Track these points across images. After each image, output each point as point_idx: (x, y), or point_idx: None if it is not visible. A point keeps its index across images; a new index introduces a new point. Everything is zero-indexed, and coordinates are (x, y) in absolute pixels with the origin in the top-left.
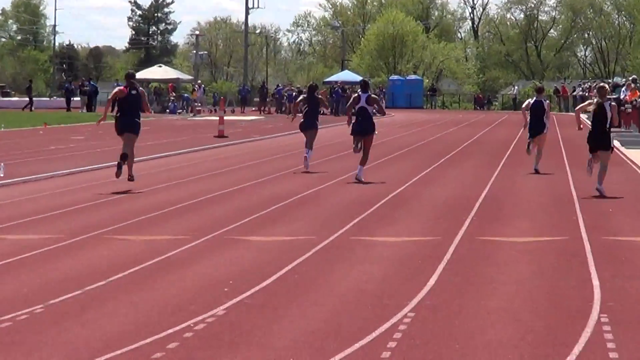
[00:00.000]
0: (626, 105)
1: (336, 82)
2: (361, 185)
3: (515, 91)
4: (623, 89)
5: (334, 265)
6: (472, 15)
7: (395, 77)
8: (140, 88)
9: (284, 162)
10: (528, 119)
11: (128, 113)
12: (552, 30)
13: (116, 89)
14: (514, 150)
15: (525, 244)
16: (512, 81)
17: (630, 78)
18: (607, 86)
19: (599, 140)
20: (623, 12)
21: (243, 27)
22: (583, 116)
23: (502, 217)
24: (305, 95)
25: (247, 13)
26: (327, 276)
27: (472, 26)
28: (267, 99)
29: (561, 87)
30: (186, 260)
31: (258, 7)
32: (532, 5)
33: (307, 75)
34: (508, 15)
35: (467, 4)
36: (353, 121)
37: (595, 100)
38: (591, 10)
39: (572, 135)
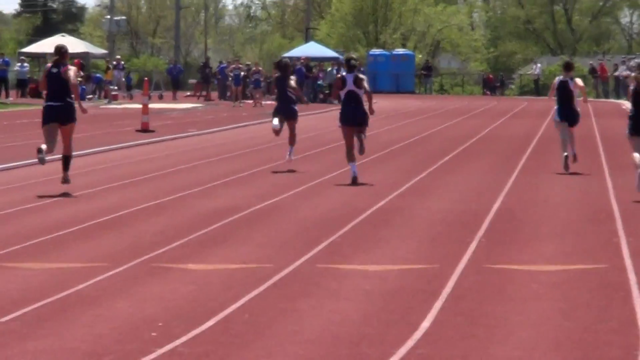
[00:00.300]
0: None
1: (298, 58)
2: (335, 194)
3: (537, 70)
4: None
5: (296, 303)
6: None
7: (377, 51)
8: (70, 66)
9: (230, 165)
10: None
11: (54, 98)
12: None
13: (45, 68)
14: (535, 149)
15: (550, 275)
16: (533, 57)
17: None
18: None
19: None
20: None
21: None
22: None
23: (520, 238)
24: (278, 75)
25: None
26: (288, 317)
27: None
28: (211, 81)
29: (599, 65)
30: (101, 295)
31: None
32: None
33: (260, 49)
34: None
35: None
36: (341, 108)
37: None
38: None
39: (614, 129)
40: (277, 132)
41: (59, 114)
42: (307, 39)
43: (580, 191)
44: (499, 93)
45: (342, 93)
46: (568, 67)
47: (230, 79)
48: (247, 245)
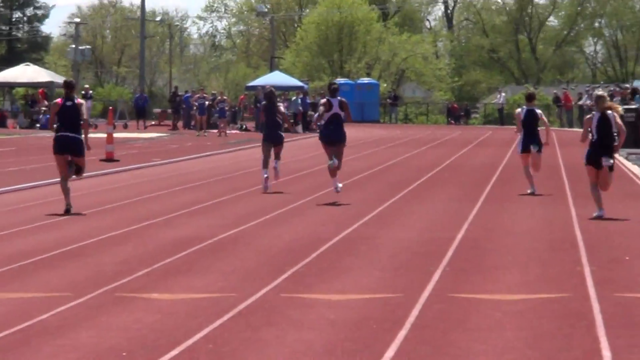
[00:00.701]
0: None
1: (263, 87)
2: (299, 223)
3: (502, 99)
4: None
5: (260, 332)
6: None
7: (342, 80)
8: (78, 99)
9: (194, 194)
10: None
11: (66, 129)
12: (551, 18)
13: (53, 103)
14: (500, 179)
15: (514, 304)
16: (497, 86)
17: None
18: (606, 95)
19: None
20: None
21: (138, 12)
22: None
23: (484, 267)
24: (265, 103)
25: None
26: (252, 346)
27: (445, 12)
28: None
29: (563, 94)
30: (65, 325)
31: None
32: None
33: (225, 78)
34: None
35: None
36: (323, 128)
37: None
38: None
39: (578, 158)
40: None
41: (71, 146)
42: (272, 68)
43: (544, 220)
44: (464, 122)
45: (327, 115)
46: (530, 97)
47: (195, 108)
48: (211, 275)
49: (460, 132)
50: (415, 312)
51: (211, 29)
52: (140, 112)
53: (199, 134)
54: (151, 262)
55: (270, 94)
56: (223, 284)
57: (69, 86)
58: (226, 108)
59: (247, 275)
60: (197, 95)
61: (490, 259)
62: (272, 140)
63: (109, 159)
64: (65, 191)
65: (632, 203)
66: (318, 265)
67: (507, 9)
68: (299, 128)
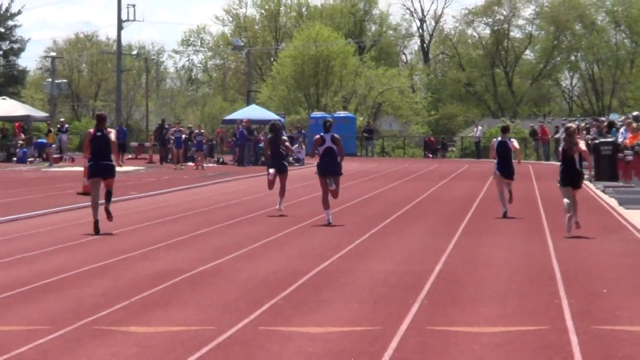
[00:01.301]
0: (625, 152)
1: (241, 120)
2: (277, 256)
3: (478, 132)
4: (622, 129)
5: None
6: (421, 31)
7: (318, 114)
8: (108, 129)
9: (172, 227)
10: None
11: (97, 157)
12: (527, 52)
13: (86, 132)
14: (477, 211)
15: (493, 336)
16: (474, 119)
17: (632, 115)
18: (574, 126)
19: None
20: (622, 27)
21: (115, 46)
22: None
23: (462, 300)
24: (270, 136)
25: (119, 27)
26: None
27: (422, 46)
28: (169, 144)
29: (539, 128)
30: (43, 359)
31: (134, 19)
32: (502, 18)
33: (201, 112)
34: (469, 31)
35: (414, 15)
36: (318, 161)
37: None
38: (580, 25)
39: (555, 191)
40: (270, 183)
41: (103, 171)
42: (248, 102)
43: (522, 253)
44: (440, 155)
45: (321, 149)
46: (505, 129)
47: (172, 141)
48: (189, 308)
49: (437, 165)
50: (393, 345)
51: (187, 62)
52: (119, 146)
53: (176, 167)
54: (129, 295)
55: (277, 128)
56: (201, 317)
57: (99, 118)
58: (203, 141)
59: (225, 308)
60: (174, 129)
61: (468, 291)
62: (277, 168)
63: (86, 192)
64: (95, 210)
65: (609, 236)
66: (296, 298)
67: (483, 42)
68: None
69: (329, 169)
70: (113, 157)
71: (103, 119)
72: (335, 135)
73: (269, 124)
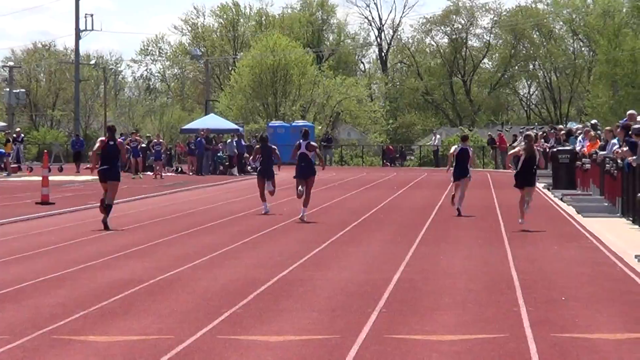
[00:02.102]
0: (583, 160)
1: (200, 130)
2: (236, 265)
3: (437, 141)
4: (580, 138)
5: None
6: (379, 40)
7: (277, 123)
8: (119, 139)
9: (130, 237)
10: (453, 164)
11: (108, 163)
12: (485, 60)
13: (99, 141)
14: (435, 220)
15: (451, 344)
16: (432, 128)
17: (590, 123)
18: (532, 134)
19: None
20: (580, 36)
21: (72, 56)
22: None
23: (421, 308)
24: (259, 146)
25: (77, 37)
26: None
27: (380, 55)
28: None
29: (498, 136)
30: None
31: (92, 29)
32: (460, 27)
33: (160, 121)
34: (427, 40)
35: (372, 24)
36: (296, 166)
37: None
38: (537, 34)
39: (513, 199)
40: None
41: (110, 175)
42: (207, 111)
43: (481, 261)
44: (399, 164)
45: (298, 153)
46: (464, 138)
47: (129, 151)
48: (148, 317)
49: (395, 174)
50: (352, 354)
51: (146, 72)
52: (76, 155)
53: (134, 176)
54: (88, 304)
55: (265, 139)
56: (160, 326)
57: (110, 129)
58: (162, 151)
59: (184, 317)
60: (130, 139)
61: (427, 300)
62: (266, 175)
63: (45, 201)
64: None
65: (567, 244)
66: (255, 307)
67: (441, 51)
68: (235, 170)
69: (305, 173)
70: (121, 161)
71: (114, 130)
72: (312, 142)
73: (260, 134)
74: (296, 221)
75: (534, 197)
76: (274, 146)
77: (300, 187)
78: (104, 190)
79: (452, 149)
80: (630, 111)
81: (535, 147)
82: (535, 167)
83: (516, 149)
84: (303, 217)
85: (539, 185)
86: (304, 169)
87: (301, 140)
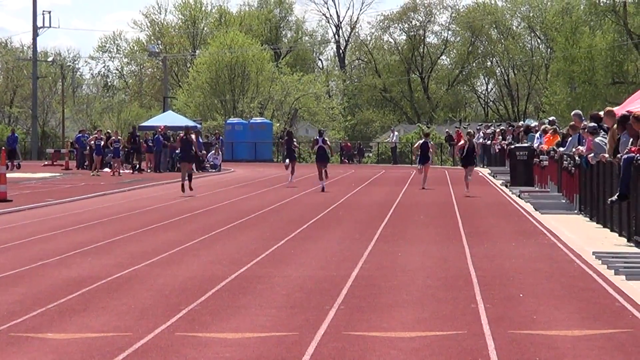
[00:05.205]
0: (541, 157)
1: (158, 127)
2: (194, 262)
3: (394, 138)
4: (537, 135)
5: None
6: (336, 37)
7: (235, 120)
8: (191, 135)
9: (88, 234)
10: (418, 154)
11: (184, 152)
12: (443, 57)
13: (178, 136)
14: (394, 217)
15: (410, 341)
16: (390, 125)
17: (547, 120)
18: (472, 132)
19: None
20: (538, 33)
21: (30, 53)
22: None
23: (379, 305)
24: (287, 138)
25: (35, 34)
26: None
27: (338, 52)
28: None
29: (455, 133)
30: None
31: (50, 26)
32: (417, 24)
33: (118, 118)
34: (385, 37)
35: (330, 22)
36: (316, 154)
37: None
38: (495, 30)
39: (471, 196)
40: (287, 166)
41: (188, 159)
42: (165, 108)
43: (439, 258)
44: (357, 161)
45: (316, 147)
46: (427, 134)
47: (89, 148)
48: (106, 314)
49: (353, 171)
50: (310, 351)
51: (103, 69)
52: (10, 152)
53: (93, 173)
54: (46, 301)
55: (290, 133)
56: (118, 323)
57: (186, 129)
58: (120, 148)
59: (142, 314)
60: (94, 136)
61: (385, 296)
62: (291, 158)
63: (2, 199)
64: (183, 180)
65: (525, 240)
66: (213, 304)
67: (399, 48)
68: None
69: (323, 160)
70: (193, 150)
71: (189, 129)
72: (326, 138)
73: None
74: (253, 219)
75: (495, 193)
76: (295, 140)
77: (288, 161)
78: (182, 172)
79: (417, 143)
80: (576, 111)
81: (473, 141)
82: (474, 153)
83: (462, 142)
84: (323, 187)
85: (497, 182)
86: (322, 156)
87: (318, 137)
